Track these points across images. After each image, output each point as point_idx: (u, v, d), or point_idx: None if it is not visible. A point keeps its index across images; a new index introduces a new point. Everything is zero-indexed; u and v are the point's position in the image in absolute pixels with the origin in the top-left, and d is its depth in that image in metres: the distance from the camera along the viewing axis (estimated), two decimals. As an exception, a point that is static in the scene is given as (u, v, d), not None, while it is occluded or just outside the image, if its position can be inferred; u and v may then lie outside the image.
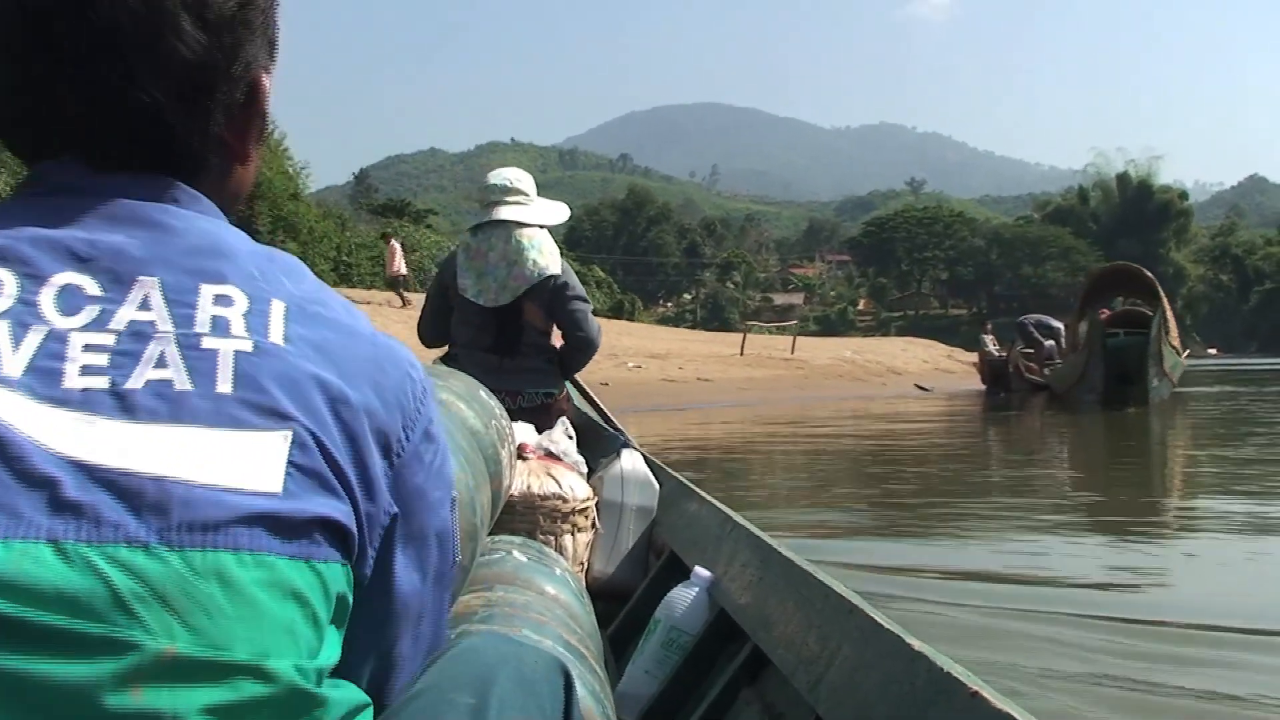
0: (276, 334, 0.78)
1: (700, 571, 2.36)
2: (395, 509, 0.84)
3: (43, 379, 0.71)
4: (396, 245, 27.07)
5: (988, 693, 1.19)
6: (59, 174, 0.84)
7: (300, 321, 0.81)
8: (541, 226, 3.92)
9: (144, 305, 0.76)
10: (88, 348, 0.73)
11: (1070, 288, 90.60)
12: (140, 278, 0.78)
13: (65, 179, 0.84)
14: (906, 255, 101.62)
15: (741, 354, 28.73)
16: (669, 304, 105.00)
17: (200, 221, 0.85)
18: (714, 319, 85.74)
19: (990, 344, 25.40)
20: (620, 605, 2.99)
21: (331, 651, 0.76)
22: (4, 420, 0.68)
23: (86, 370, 0.72)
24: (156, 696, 0.64)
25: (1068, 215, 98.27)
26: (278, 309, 0.80)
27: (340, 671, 0.80)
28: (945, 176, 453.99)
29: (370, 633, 0.86)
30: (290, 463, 0.74)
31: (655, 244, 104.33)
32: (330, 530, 0.75)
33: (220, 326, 0.77)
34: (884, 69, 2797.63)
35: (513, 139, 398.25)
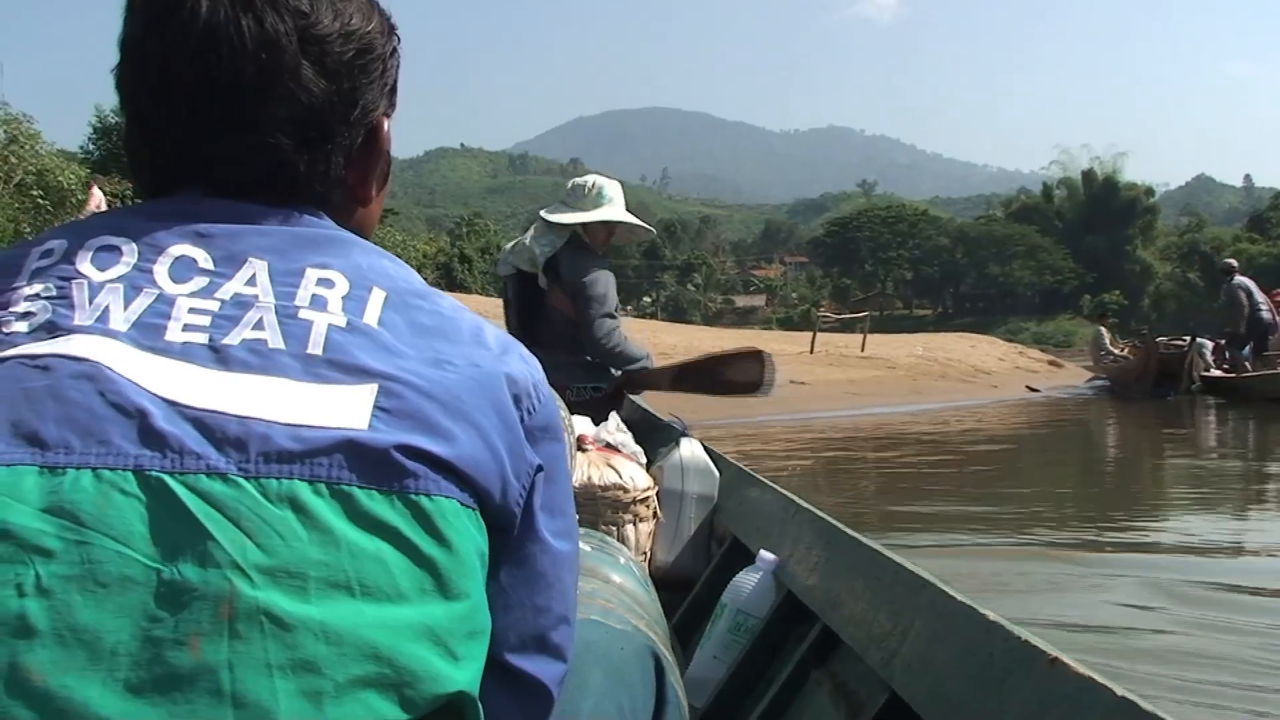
0: (371, 316, 0.81)
1: (765, 555, 2.39)
2: (538, 461, 0.87)
3: (146, 332, 0.76)
4: (99, 195, 22.73)
5: (1067, 659, 1.21)
6: (182, 200, 0.88)
7: (398, 310, 0.83)
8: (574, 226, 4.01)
9: (250, 282, 0.81)
10: (192, 310, 0.78)
11: (1038, 287, 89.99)
12: (251, 259, 0.82)
13: (188, 202, 0.87)
14: (870, 255, 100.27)
15: (811, 352, 25.85)
16: (629, 307, 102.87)
17: (317, 224, 0.89)
18: (676, 321, 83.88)
19: (1106, 339, 22.74)
20: (683, 594, 2.99)
21: (459, 593, 0.76)
22: (103, 362, 0.73)
23: (188, 328, 0.77)
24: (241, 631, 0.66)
25: (1033, 213, 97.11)
26: (377, 296, 0.83)
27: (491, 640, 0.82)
28: (895, 179, 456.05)
29: (521, 593, 0.89)
30: (377, 406, 0.76)
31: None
32: (435, 465, 0.76)
33: (318, 303, 0.80)
34: (831, 71, 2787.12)
35: (462, 144, 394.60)
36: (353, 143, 0.92)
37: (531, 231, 4.04)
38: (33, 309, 0.77)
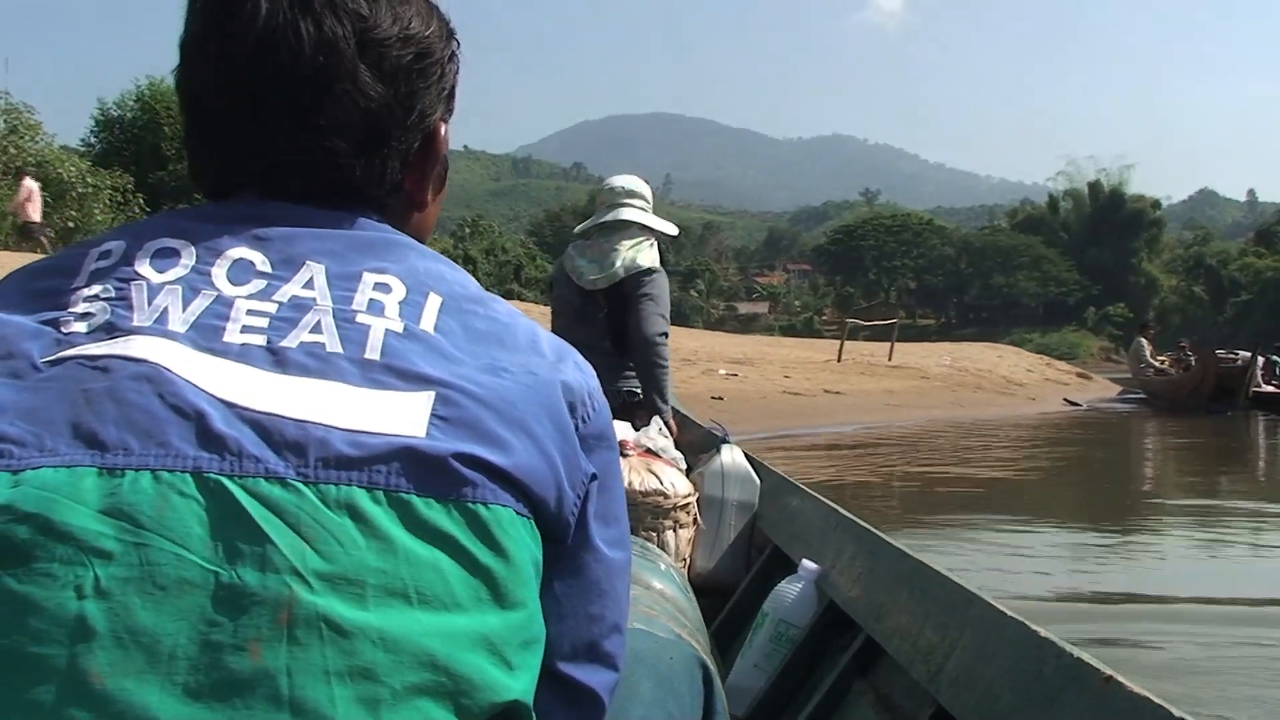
0: (428, 323, 0.82)
1: (808, 564, 2.37)
2: (593, 470, 0.87)
3: (204, 334, 0.77)
4: (32, 185, 21.94)
5: (1122, 678, 1.19)
6: (240, 203, 0.89)
7: (454, 315, 0.84)
8: (651, 231, 3.99)
9: (308, 285, 0.81)
10: (251, 313, 0.79)
11: (1042, 298, 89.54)
12: (309, 262, 0.83)
13: (246, 206, 0.88)
14: (874, 264, 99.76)
15: (839, 360, 25.56)
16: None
17: (373, 227, 0.89)
18: (679, 326, 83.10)
19: (1147, 351, 22.25)
20: (722, 601, 2.96)
21: (515, 603, 0.76)
22: (161, 363, 0.74)
23: (246, 330, 0.78)
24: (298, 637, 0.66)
25: (1038, 224, 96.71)
26: (434, 301, 0.84)
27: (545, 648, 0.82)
28: (898, 188, 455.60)
29: (575, 601, 0.88)
30: (435, 414, 0.76)
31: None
32: (492, 474, 0.76)
33: (375, 308, 0.81)
34: (834, 79, 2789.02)
35: (465, 146, 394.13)
36: (409, 147, 0.93)
37: (614, 237, 3.93)
38: (92, 310, 0.78)
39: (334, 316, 0.79)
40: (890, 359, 26.78)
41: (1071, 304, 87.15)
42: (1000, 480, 9.83)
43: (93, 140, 36.46)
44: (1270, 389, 19.18)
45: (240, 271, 0.81)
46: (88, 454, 0.69)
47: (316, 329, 0.78)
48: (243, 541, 0.67)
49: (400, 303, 0.82)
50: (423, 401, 0.76)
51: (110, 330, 0.76)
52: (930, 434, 14.95)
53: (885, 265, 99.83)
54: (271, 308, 0.79)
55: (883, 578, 2.06)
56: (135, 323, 0.77)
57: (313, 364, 0.76)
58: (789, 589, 2.38)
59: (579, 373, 0.89)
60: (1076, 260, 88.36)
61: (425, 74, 0.91)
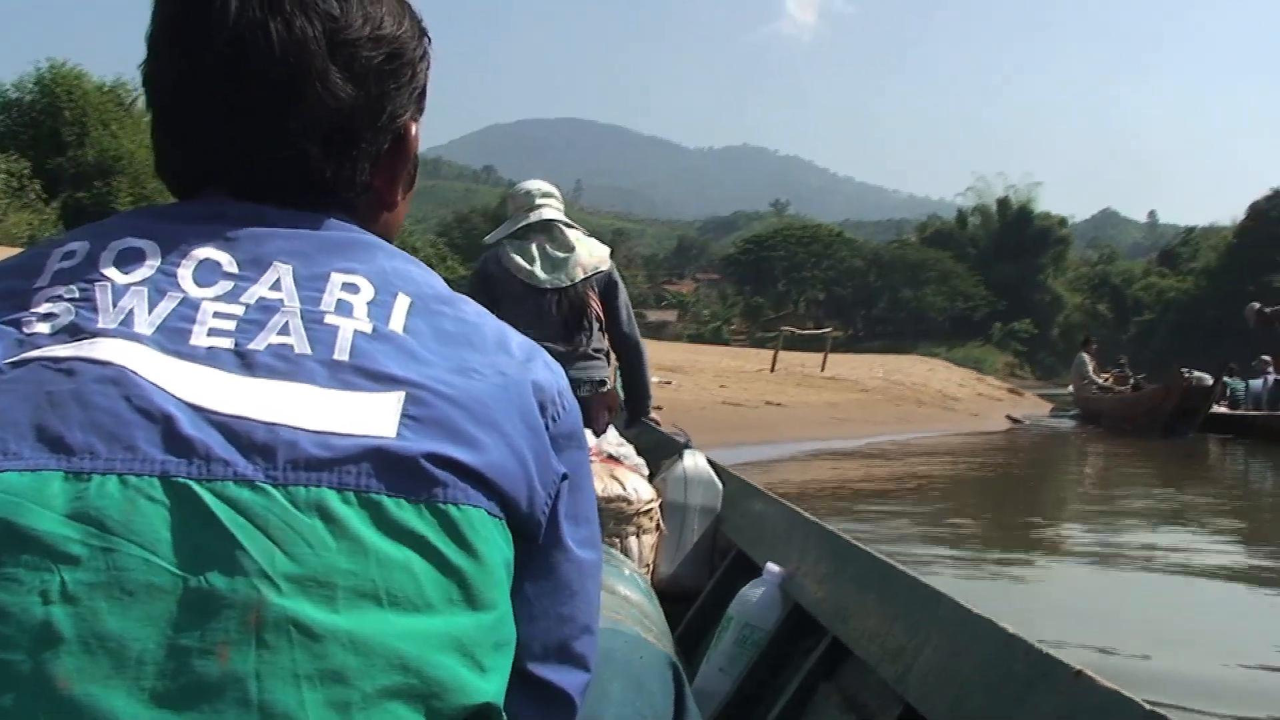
0: (397, 323, 0.81)
1: (772, 567, 2.40)
2: (564, 469, 0.86)
3: (171, 336, 0.76)
4: None
5: (1091, 673, 1.22)
6: (206, 202, 0.88)
7: (423, 316, 0.83)
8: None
9: (275, 286, 0.81)
10: (218, 315, 0.78)
11: (949, 312, 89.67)
12: (276, 263, 0.82)
13: (212, 206, 0.87)
14: (784, 275, 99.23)
15: (772, 370, 24.65)
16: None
17: (341, 227, 0.88)
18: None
19: (1090, 368, 20.98)
20: (686, 606, 2.99)
21: (487, 604, 0.76)
22: (128, 366, 0.73)
23: (213, 332, 0.77)
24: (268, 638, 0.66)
25: (947, 239, 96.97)
26: (402, 302, 0.83)
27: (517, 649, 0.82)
28: (806, 200, 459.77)
29: (546, 602, 0.88)
30: (405, 415, 0.76)
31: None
32: (463, 474, 0.76)
33: (344, 308, 0.80)
34: (747, 90, 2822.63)
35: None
36: (380, 148, 0.92)
37: (558, 236, 3.94)
38: (55, 310, 0.77)
39: (302, 318, 0.79)
40: (823, 370, 26.14)
41: (977, 319, 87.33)
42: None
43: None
44: (1223, 410, 18.00)
45: (207, 272, 0.80)
46: (53, 457, 0.68)
47: (284, 330, 0.78)
48: (211, 545, 0.67)
49: (369, 303, 0.81)
50: (393, 402, 0.76)
51: (74, 332, 0.75)
52: (914, 455, 13.88)
53: (795, 276, 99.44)
54: (239, 309, 0.78)
55: (849, 580, 2.07)
56: (100, 324, 0.76)
57: (281, 366, 0.76)
58: (753, 592, 2.39)
59: (549, 372, 0.88)
60: (984, 275, 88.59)
61: (397, 75, 0.91)
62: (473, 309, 0.88)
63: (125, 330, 0.75)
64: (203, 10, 0.84)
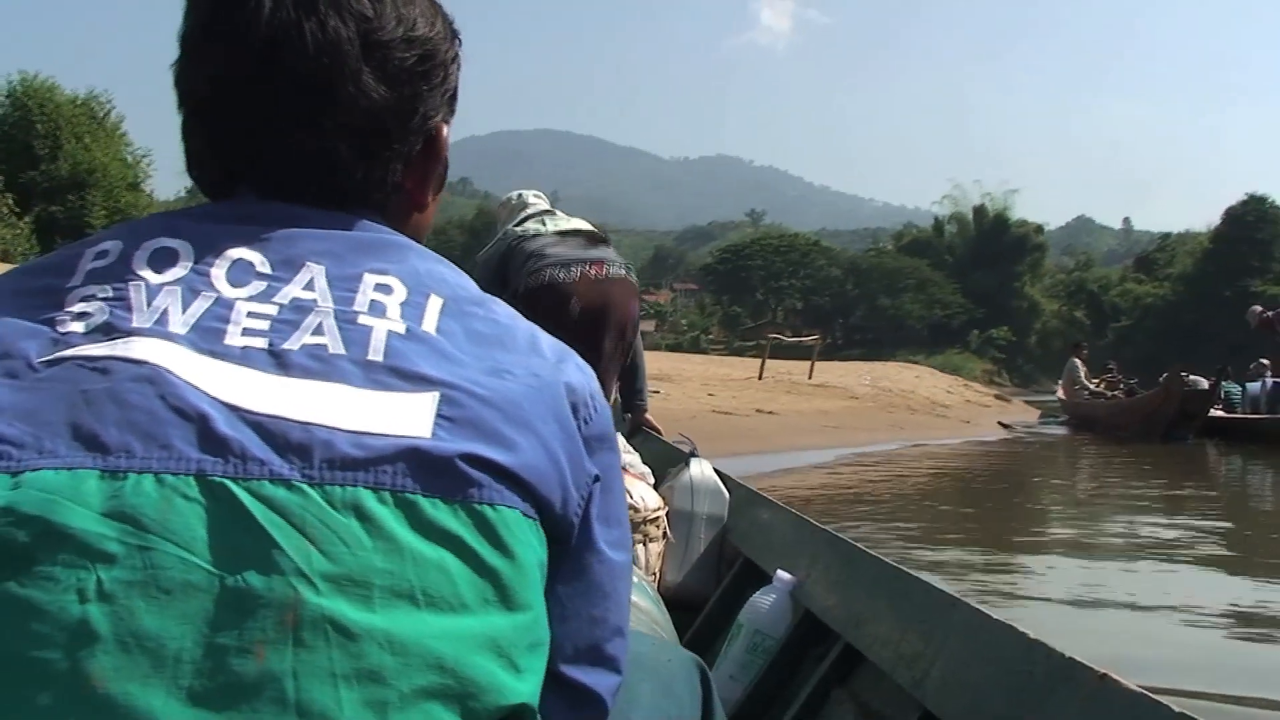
0: (430, 324, 0.81)
1: (783, 575, 2.39)
2: (596, 471, 0.86)
3: (205, 336, 0.76)
4: None
5: (1117, 675, 1.20)
6: (238, 203, 0.88)
7: (455, 317, 0.83)
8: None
9: (308, 286, 0.81)
10: (251, 315, 0.78)
11: (927, 320, 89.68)
12: (309, 263, 0.82)
13: (245, 206, 0.87)
14: (761, 284, 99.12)
15: (760, 378, 24.30)
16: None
17: (373, 228, 0.89)
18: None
19: (1082, 373, 20.72)
20: (693, 615, 2.97)
21: (522, 605, 0.76)
22: (162, 365, 0.73)
23: (248, 332, 0.77)
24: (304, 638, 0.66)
25: (924, 247, 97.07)
26: (435, 303, 0.83)
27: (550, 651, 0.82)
28: (783, 210, 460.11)
29: (578, 604, 0.88)
30: (440, 415, 0.76)
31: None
32: (499, 474, 0.76)
33: (377, 309, 0.80)
34: (722, 100, 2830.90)
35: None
36: (411, 149, 0.93)
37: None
38: (89, 310, 0.77)
39: (335, 318, 0.79)
40: (810, 377, 25.78)
41: (955, 326, 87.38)
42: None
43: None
44: (1220, 414, 17.61)
45: (240, 273, 0.80)
46: (89, 456, 0.68)
47: (318, 331, 0.78)
48: (247, 544, 0.67)
49: (402, 304, 0.81)
50: (427, 402, 0.76)
51: (109, 331, 0.75)
52: (930, 459, 13.56)
53: (772, 285, 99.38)
54: (272, 309, 0.79)
55: (860, 586, 2.07)
56: (135, 324, 0.76)
57: (315, 366, 0.76)
58: (763, 600, 2.39)
59: (581, 374, 0.87)
60: (961, 283, 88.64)
61: (429, 76, 0.91)
62: (504, 310, 0.88)
63: (160, 330, 0.75)
64: (237, 10, 0.84)
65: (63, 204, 32.47)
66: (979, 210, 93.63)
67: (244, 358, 0.75)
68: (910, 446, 15.63)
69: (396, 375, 0.76)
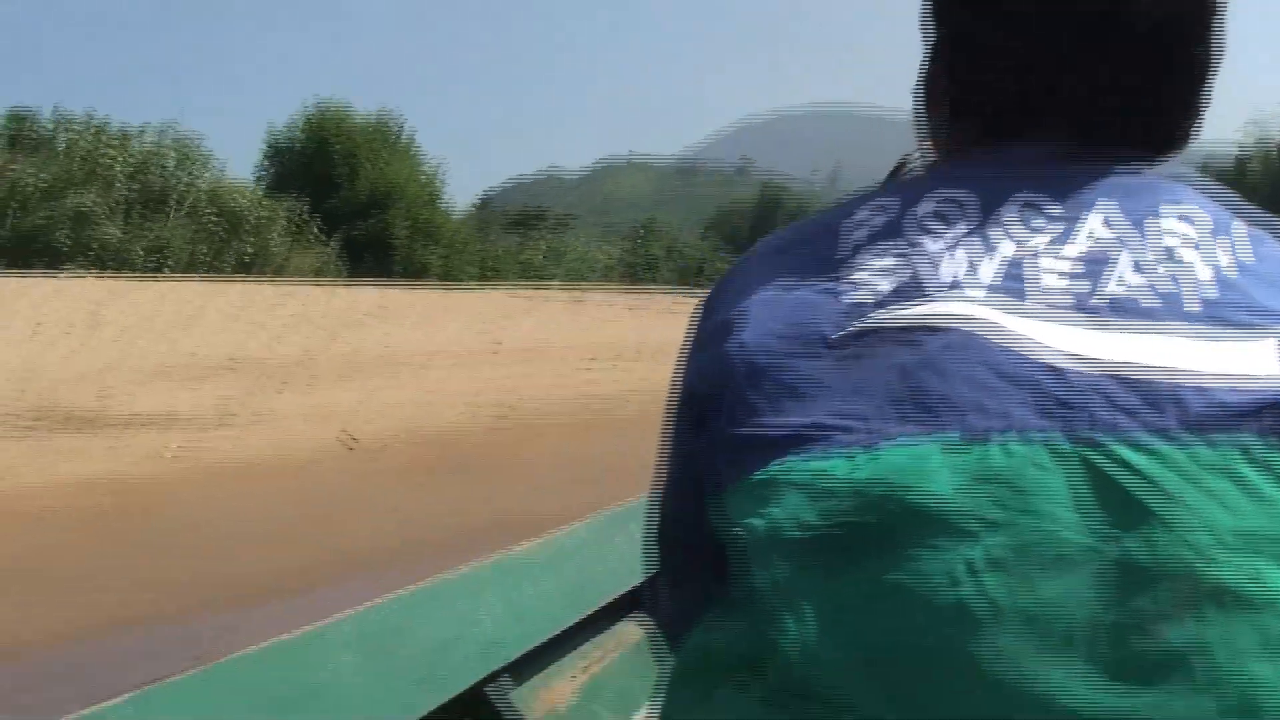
0: (1245, 252, 0.73)
1: None
2: None
3: (1007, 292, 0.71)
4: None
5: None
6: (1028, 144, 0.81)
7: (1262, 243, 0.75)
8: None
9: (1106, 224, 0.74)
10: (1051, 264, 0.72)
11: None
12: (1100, 199, 0.75)
13: (1034, 148, 0.80)
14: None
15: None
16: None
17: (1149, 162, 0.81)
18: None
19: None
20: None
21: None
22: (972, 329, 0.69)
23: (1048, 288, 0.71)
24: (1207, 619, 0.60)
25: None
26: (1240, 229, 0.75)
27: None
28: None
29: None
30: None
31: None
32: None
33: (1188, 242, 0.73)
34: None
35: (631, 151, 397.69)
36: (1200, 100, 0.82)
37: None
38: (872, 279, 0.74)
39: (1143, 257, 0.72)
40: None
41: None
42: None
43: (266, 167, 37.44)
44: None
45: (1031, 218, 0.75)
46: (924, 431, 0.65)
47: (1130, 273, 0.71)
48: (1118, 512, 0.62)
49: (1211, 233, 0.73)
50: (1273, 346, 0.68)
51: (903, 297, 0.71)
52: None
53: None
54: (1072, 255, 0.72)
55: None
56: (927, 288, 0.71)
57: (1135, 312, 0.69)
58: None
59: None
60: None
61: (1219, 26, 0.80)
62: None
63: (956, 292, 0.71)
64: None
65: (365, 224, 34.18)
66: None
67: (1053, 312, 0.69)
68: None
69: (1234, 313, 0.69)
